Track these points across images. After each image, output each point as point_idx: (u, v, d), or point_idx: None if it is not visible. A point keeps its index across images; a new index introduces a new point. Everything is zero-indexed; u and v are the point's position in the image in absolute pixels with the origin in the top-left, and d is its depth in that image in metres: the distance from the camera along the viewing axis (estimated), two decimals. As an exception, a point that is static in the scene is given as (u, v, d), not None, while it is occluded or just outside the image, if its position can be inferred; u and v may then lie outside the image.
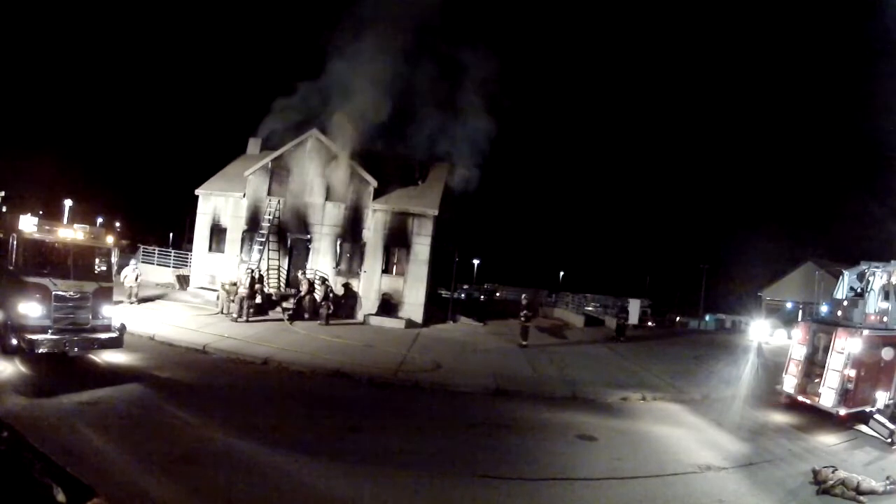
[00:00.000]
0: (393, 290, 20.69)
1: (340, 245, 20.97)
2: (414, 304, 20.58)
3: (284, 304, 18.95)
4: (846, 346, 9.87)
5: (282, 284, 20.06)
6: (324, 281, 19.39)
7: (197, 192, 21.98)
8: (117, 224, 39.05)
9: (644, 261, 70.45)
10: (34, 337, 8.57)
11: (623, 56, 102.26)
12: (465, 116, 24.16)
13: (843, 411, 9.73)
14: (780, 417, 10.79)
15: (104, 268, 10.16)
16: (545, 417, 9.53)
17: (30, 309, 8.78)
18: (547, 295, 43.07)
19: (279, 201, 20.86)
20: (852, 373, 9.72)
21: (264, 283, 19.32)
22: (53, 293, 8.99)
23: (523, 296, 20.35)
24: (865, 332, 9.95)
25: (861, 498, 6.62)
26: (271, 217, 20.52)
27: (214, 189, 22.09)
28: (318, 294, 18.79)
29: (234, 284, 17.85)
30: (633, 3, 74.23)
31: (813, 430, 9.93)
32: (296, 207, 21.01)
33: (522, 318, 17.75)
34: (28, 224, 9.23)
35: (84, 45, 77.42)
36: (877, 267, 10.75)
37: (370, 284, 20.66)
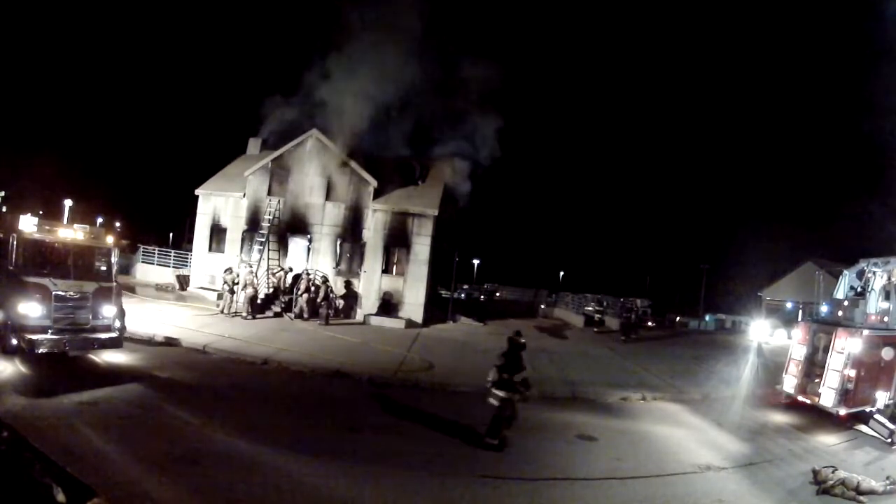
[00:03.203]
0: (393, 290, 20.70)
1: (340, 245, 20.98)
2: (414, 303, 20.59)
3: (284, 304, 18.98)
4: (846, 346, 9.87)
5: (282, 284, 20.02)
6: (324, 281, 19.40)
7: (197, 192, 22.00)
8: (117, 224, 39.04)
9: (644, 261, 70.47)
10: (34, 337, 8.56)
11: (624, 56, 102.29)
12: (465, 116, 24.21)
13: (843, 411, 9.74)
14: (780, 417, 10.79)
15: (104, 268, 10.16)
16: (545, 417, 9.51)
17: (30, 309, 8.77)
18: (547, 295, 43.09)
19: (279, 201, 20.87)
20: (852, 373, 9.71)
21: (281, 286, 19.35)
22: (53, 293, 8.98)
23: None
24: (865, 332, 9.94)
25: (861, 498, 6.62)
26: (271, 217, 20.53)
27: (214, 189, 22.10)
28: (319, 294, 18.81)
29: (234, 283, 17.89)
30: (634, 3, 74.26)
31: (813, 430, 9.93)
32: (296, 207, 21.03)
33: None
34: (28, 224, 9.22)
35: (84, 45, 77.48)
36: (875, 264, 10.74)
37: (370, 284, 20.67)
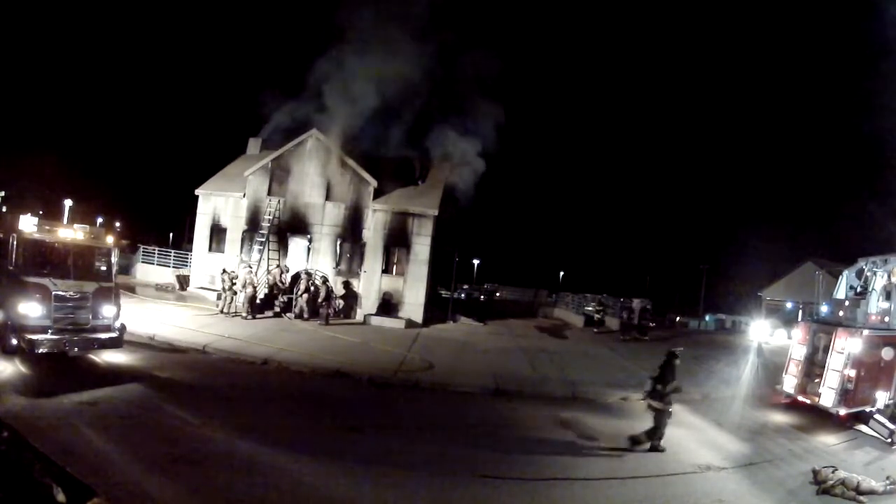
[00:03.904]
0: (393, 290, 20.69)
1: (340, 245, 20.97)
2: (414, 303, 20.58)
3: (284, 304, 18.97)
4: (846, 346, 9.86)
5: (278, 282, 20.03)
6: (325, 281, 19.39)
7: (197, 192, 22.00)
8: (117, 224, 39.02)
9: (644, 261, 70.40)
10: (34, 337, 8.56)
11: (624, 56, 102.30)
12: (465, 116, 24.22)
13: (843, 411, 9.74)
14: (780, 417, 10.78)
15: (104, 268, 10.16)
16: (545, 417, 9.52)
17: (30, 309, 8.77)
18: (547, 295, 43.09)
19: (279, 201, 20.87)
20: (852, 373, 9.71)
21: (282, 285, 19.32)
22: (53, 293, 8.98)
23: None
24: (865, 332, 9.94)
25: (861, 498, 6.62)
26: (271, 217, 20.53)
27: (214, 189, 22.10)
28: (319, 294, 18.80)
29: (233, 282, 17.91)
30: (634, 2, 74.25)
31: (813, 430, 9.93)
32: (296, 207, 21.02)
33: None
34: (28, 224, 9.22)
35: (84, 44, 77.48)
36: (874, 263, 10.74)
37: (370, 284, 20.66)
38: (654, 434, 8.03)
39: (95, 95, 79.22)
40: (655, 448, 7.98)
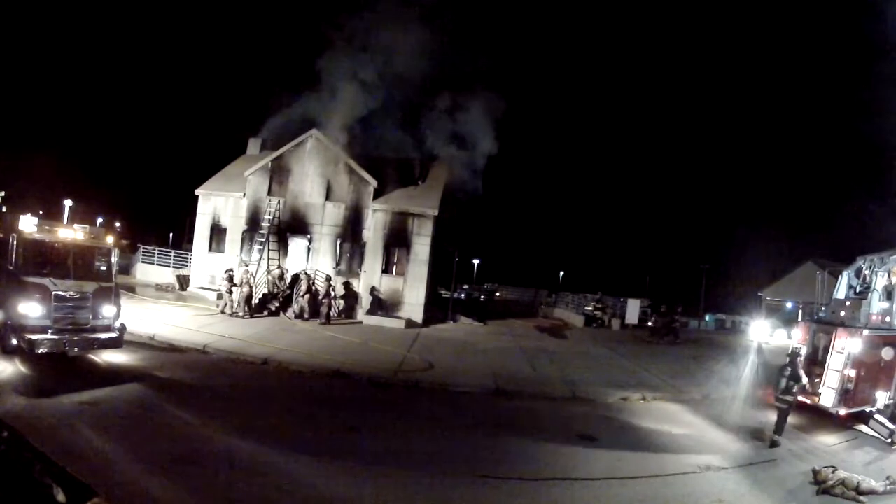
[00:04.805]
0: (393, 290, 20.70)
1: (340, 245, 20.97)
2: (414, 303, 20.58)
3: (281, 303, 18.96)
4: (846, 346, 9.86)
5: (282, 284, 20.03)
6: (327, 279, 19.37)
7: (197, 192, 22.02)
8: (117, 224, 39.02)
9: (644, 261, 70.36)
10: (34, 337, 8.55)
11: (624, 56, 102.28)
12: (465, 115, 24.22)
13: (843, 411, 9.73)
14: (780, 417, 10.77)
15: (104, 268, 10.16)
16: (545, 417, 9.53)
17: (30, 309, 8.77)
18: (547, 295, 43.11)
19: (279, 201, 20.87)
20: (852, 373, 9.71)
21: (281, 285, 19.30)
22: (53, 293, 8.98)
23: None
24: (865, 332, 9.93)
25: (861, 498, 6.62)
26: (271, 217, 20.53)
27: (214, 189, 22.11)
28: (319, 293, 18.80)
29: (232, 282, 17.90)
30: (634, 2, 74.24)
31: (813, 430, 9.93)
32: (296, 207, 21.03)
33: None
34: (28, 224, 9.23)
35: (84, 44, 77.47)
36: (873, 262, 10.73)
37: (370, 284, 20.66)
38: (779, 427, 8.83)
39: (95, 96, 79.32)
40: (774, 444, 8.66)
